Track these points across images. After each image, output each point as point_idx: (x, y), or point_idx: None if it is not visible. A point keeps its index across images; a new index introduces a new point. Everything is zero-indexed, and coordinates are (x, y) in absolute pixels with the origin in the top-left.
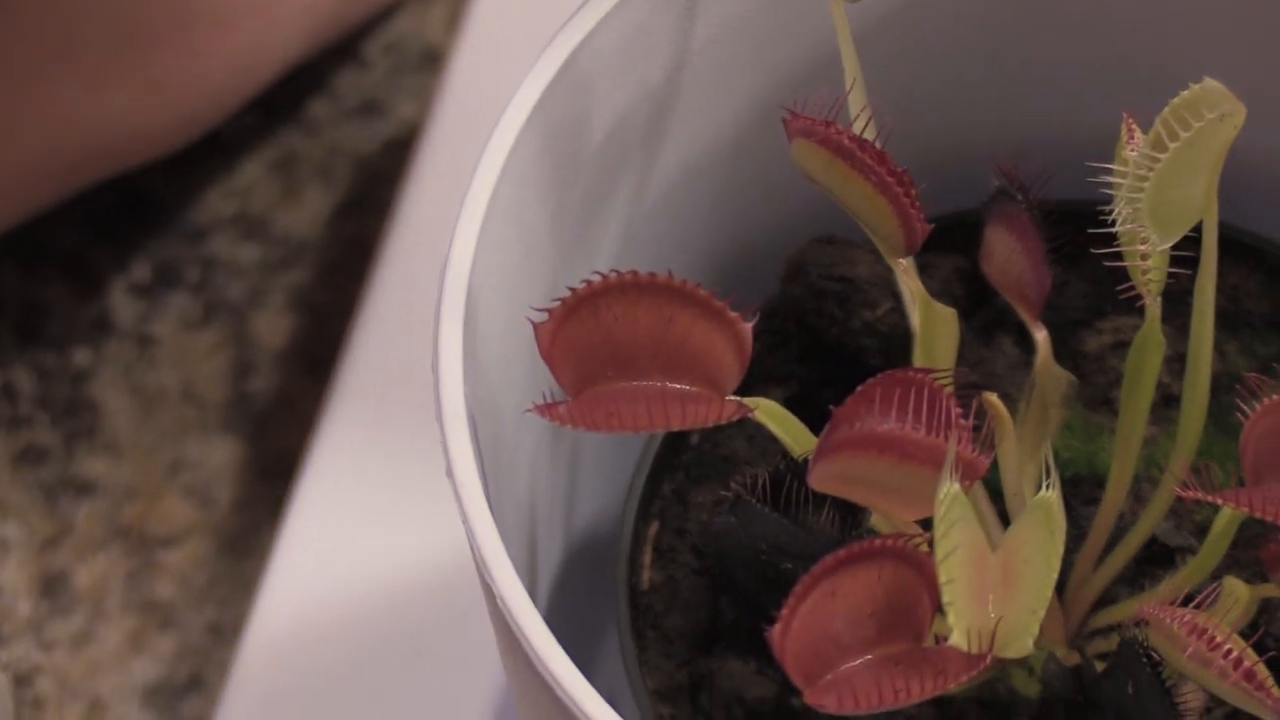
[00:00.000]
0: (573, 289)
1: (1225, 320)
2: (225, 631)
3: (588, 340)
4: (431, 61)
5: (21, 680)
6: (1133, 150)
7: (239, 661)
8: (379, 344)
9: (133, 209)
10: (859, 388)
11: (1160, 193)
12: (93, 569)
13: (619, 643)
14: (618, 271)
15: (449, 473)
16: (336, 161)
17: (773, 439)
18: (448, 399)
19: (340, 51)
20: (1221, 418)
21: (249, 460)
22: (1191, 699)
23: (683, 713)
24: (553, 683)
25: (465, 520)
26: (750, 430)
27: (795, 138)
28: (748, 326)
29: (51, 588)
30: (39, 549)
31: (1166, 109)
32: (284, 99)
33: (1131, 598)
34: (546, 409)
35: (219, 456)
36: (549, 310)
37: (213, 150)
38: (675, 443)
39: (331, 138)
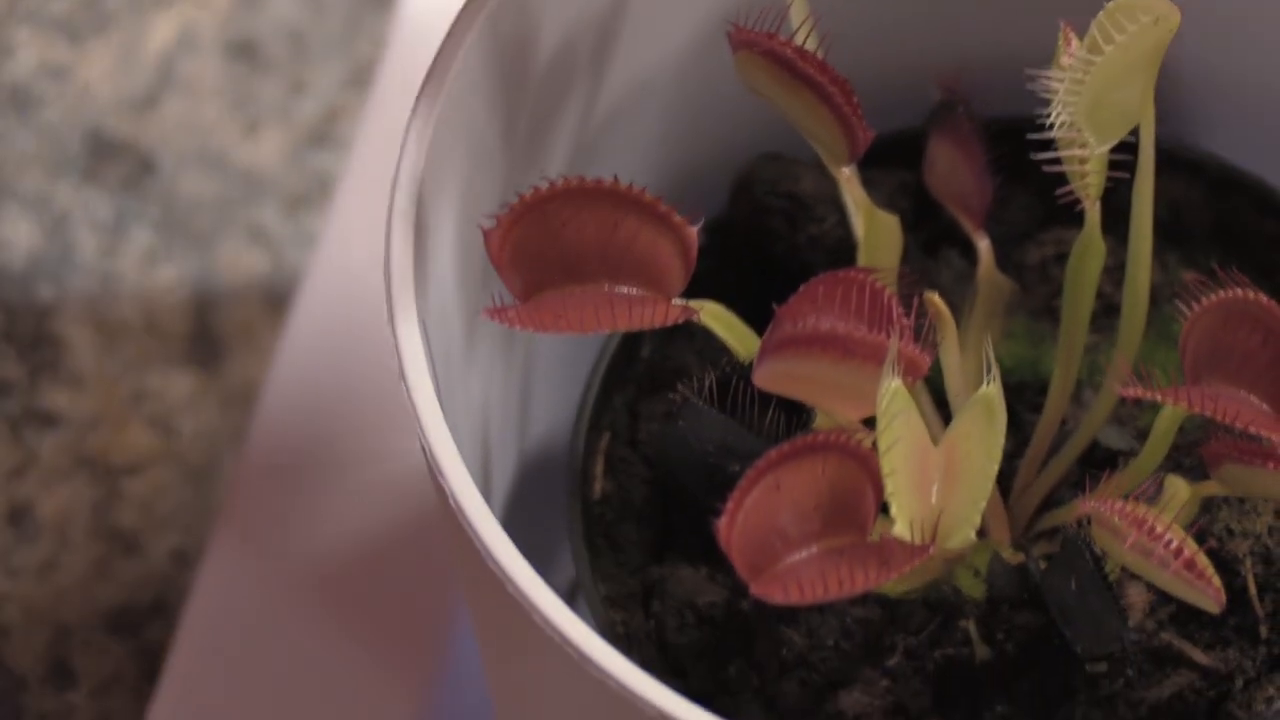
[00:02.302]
0: (521, 195)
1: (1167, 233)
2: (188, 557)
3: (537, 246)
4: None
5: None
6: (1070, 58)
7: (199, 587)
8: (336, 277)
9: (96, 147)
10: (801, 287)
11: (1097, 96)
12: (57, 498)
13: (572, 553)
14: (565, 177)
15: (401, 375)
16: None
17: (722, 352)
18: (399, 302)
19: None
20: (1163, 327)
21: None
22: (1135, 599)
23: (635, 619)
24: (504, 577)
25: (417, 421)
26: (700, 344)
27: (739, 50)
28: (693, 230)
29: (17, 518)
30: (4, 480)
31: (1102, 13)
32: (245, 38)
33: (1075, 500)
34: (497, 312)
35: (180, 388)
36: (498, 217)
37: (175, 91)
38: (626, 356)
39: (293, 75)
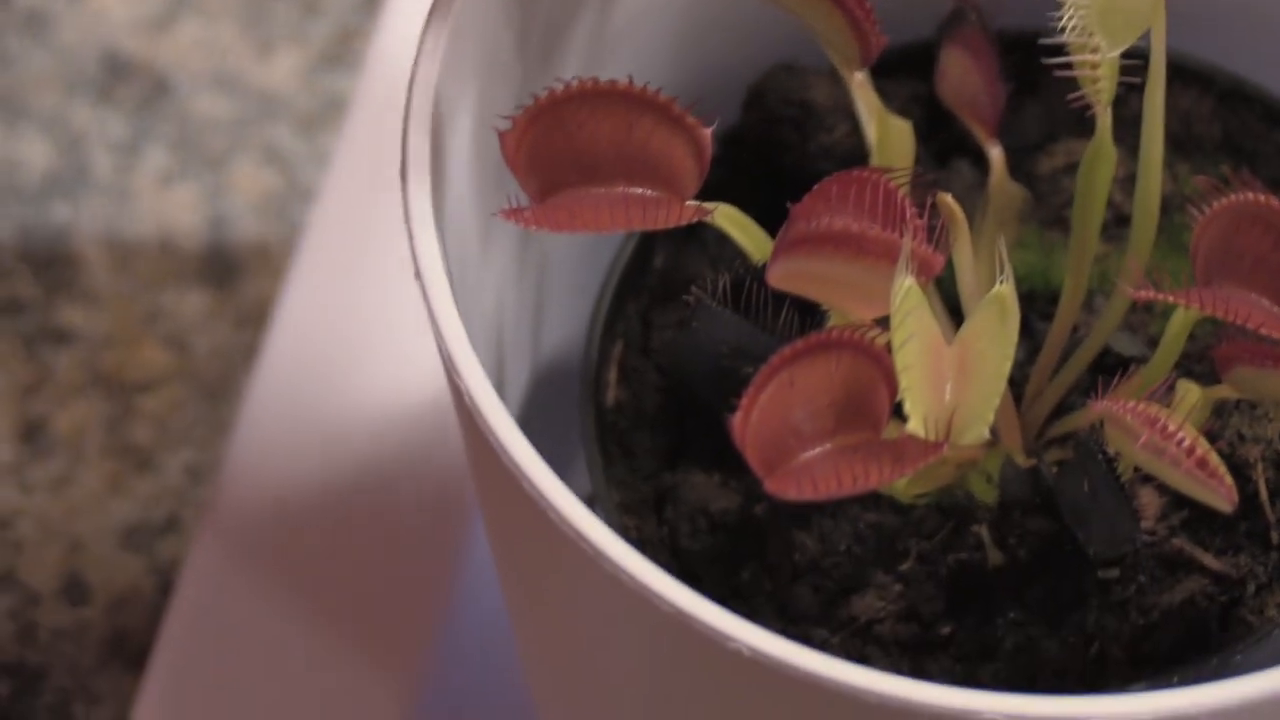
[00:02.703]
0: (536, 96)
1: (1177, 144)
2: (201, 473)
3: (551, 147)
4: None
5: (2, 523)
6: None
7: (214, 501)
8: (349, 197)
9: (111, 68)
10: (816, 186)
11: None
12: (72, 415)
13: (586, 460)
14: (580, 79)
15: (417, 275)
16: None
17: (734, 261)
18: (415, 201)
19: None
20: (1173, 236)
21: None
22: (1148, 503)
23: (648, 525)
24: (520, 474)
25: (432, 319)
26: (712, 252)
27: None
28: (706, 131)
29: (31, 434)
30: (19, 397)
31: None
32: None
33: (1088, 404)
34: (513, 212)
35: (195, 306)
36: (513, 118)
37: (190, 12)
38: (639, 265)
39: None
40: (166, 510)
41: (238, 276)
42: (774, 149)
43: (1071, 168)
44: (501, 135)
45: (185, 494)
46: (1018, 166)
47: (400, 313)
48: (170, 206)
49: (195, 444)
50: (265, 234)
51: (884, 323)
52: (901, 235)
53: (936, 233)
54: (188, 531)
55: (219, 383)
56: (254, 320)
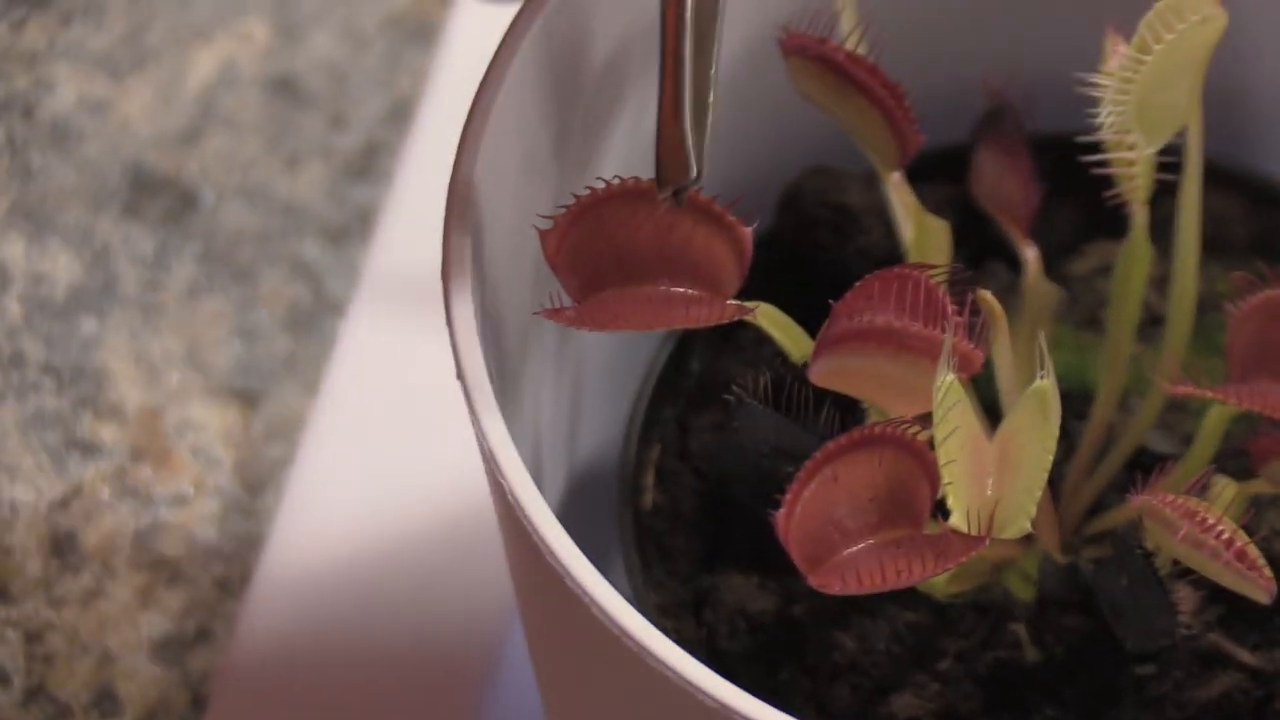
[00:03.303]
0: (577, 195)
1: (1208, 245)
2: (231, 586)
3: (592, 247)
4: (428, 36)
5: (32, 637)
6: (1117, 61)
7: (246, 613)
8: (379, 309)
9: (137, 181)
10: (856, 284)
11: (1145, 95)
12: (101, 528)
13: (624, 564)
14: (621, 178)
15: (459, 375)
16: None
17: (770, 365)
18: (456, 300)
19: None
20: (1206, 337)
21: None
22: (1184, 599)
23: (687, 627)
24: (563, 571)
25: (474, 419)
26: (748, 356)
27: (790, 55)
28: (747, 231)
29: (61, 549)
30: (48, 511)
31: (1150, 13)
32: (285, 74)
33: (1125, 501)
34: (554, 312)
35: (223, 420)
36: (554, 217)
37: (216, 125)
38: (675, 368)
39: (333, 109)
40: (197, 623)
41: (267, 390)
42: (810, 251)
43: (1105, 269)
44: (542, 234)
45: (216, 607)
46: (1051, 268)
47: (430, 427)
48: (198, 320)
49: (225, 558)
50: (294, 347)
51: (924, 419)
52: (943, 332)
53: (976, 330)
54: (219, 644)
55: (248, 497)
56: (282, 434)
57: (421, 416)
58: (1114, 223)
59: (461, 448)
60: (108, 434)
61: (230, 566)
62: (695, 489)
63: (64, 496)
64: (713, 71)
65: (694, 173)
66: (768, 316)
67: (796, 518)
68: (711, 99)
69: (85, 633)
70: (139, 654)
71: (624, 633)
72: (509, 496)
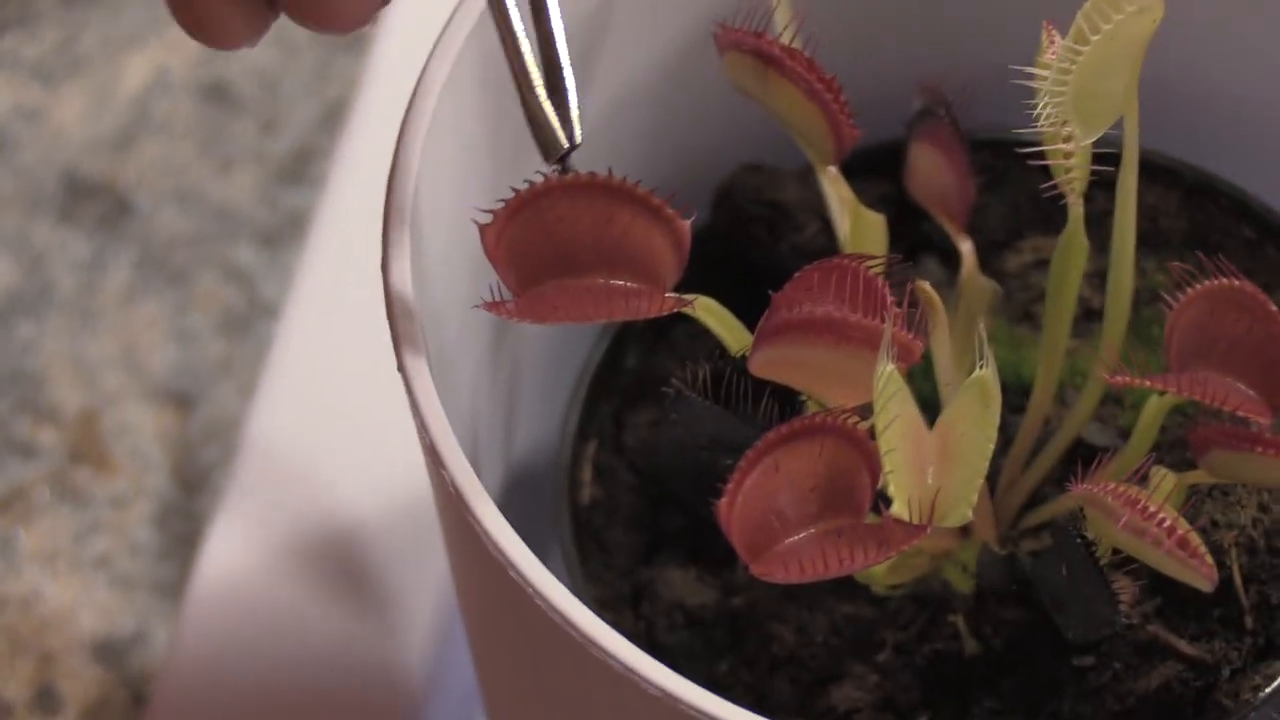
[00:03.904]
0: (516, 190)
1: (1144, 239)
2: (169, 588)
3: (531, 240)
4: (359, 45)
5: None
6: (1053, 55)
7: (186, 613)
8: (314, 312)
9: (72, 188)
10: (796, 274)
11: (1083, 86)
12: (40, 530)
13: (561, 558)
14: (559, 173)
15: (399, 368)
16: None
17: (707, 357)
18: (397, 293)
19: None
20: (1141, 330)
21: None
22: (1125, 591)
23: (625, 620)
24: (505, 562)
25: (415, 411)
26: (683, 353)
27: (726, 50)
28: (685, 223)
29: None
30: None
31: (1087, 3)
32: (217, 81)
33: (1064, 492)
34: (494, 305)
35: (159, 422)
36: (493, 211)
37: (149, 132)
38: (611, 364)
39: (265, 115)
40: (135, 623)
41: (202, 392)
42: (745, 247)
43: (1039, 264)
44: (481, 228)
45: (155, 608)
46: (985, 263)
47: (368, 427)
48: (134, 323)
49: (162, 558)
50: (229, 350)
51: (863, 410)
52: (882, 322)
53: (915, 321)
54: (158, 644)
55: (184, 498)
56: (218, 435)
57: (356, 419)
58: (1047, 218)
59: (397, 448)
60: (45, 437)
61: (168, 567)
62: (632, 484)
63: (3, 498)
64: (557, 37)
65: (565, 142)
66: (705, 308)
67: (738, 507)
68: (564, 62)
69: (26, 633)
70: (79, 654)
71: (567, 622)
72: (451, 488)
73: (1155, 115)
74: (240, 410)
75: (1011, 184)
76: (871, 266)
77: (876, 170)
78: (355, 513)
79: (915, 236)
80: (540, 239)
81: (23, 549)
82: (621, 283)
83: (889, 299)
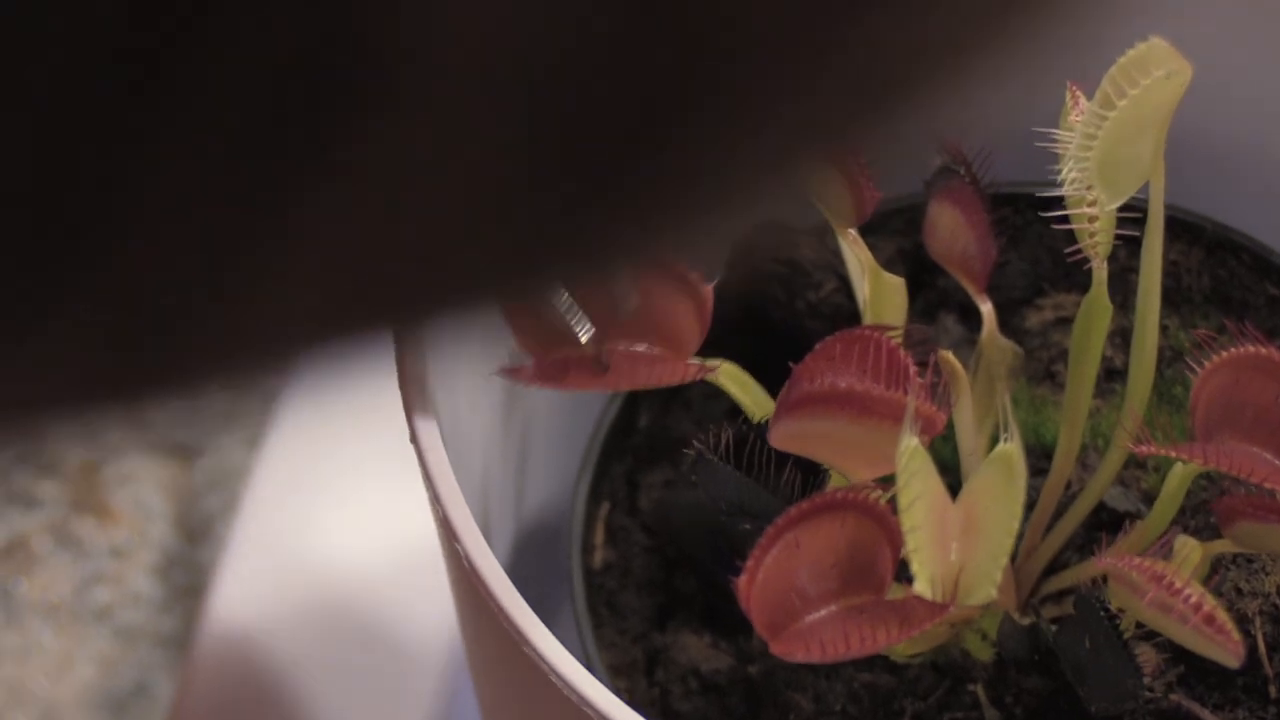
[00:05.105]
0: None
1: (1166, 296)
2: (172, 640)
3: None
4: None
5: None
6: (1078, 117)
7: (191, 668)
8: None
9: None
10: (817, 345)
11: (1108, 151)
12: (41, 580)
13: (574, 622)
14: None
15: (412, 438)
16: None
17: (721, 419)
18: (409, 362)
19: None
20: (1164, 390)
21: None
22: (1146, 660)
23: (639, 686)
24: (520, 639)
25: (429, 483)
26: (697, 414)
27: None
28: (708, 289)
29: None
30: None
31: (1114, 67)
32: None
33: (1082, 562)
34: (513, 371)
35: (162, 471)
36: None
37: None
38: (624, 425)
39: None
40: (137, 675)
41: (208, 442)
42: (761, 306)
43: (1060, 322)
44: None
45: (157, 659)
46: (1005, 321)
47: (373, 479)
48: None
49: (164, 609)
50: (233, 402)
51: (884, 481)
52: (905, 394)
53: (938, 390)
54: (159, 696)
55: (188, 548)
56: (223, 484)
57: (361, 471)
58: (1068, 274)
59: (403, 502)
60: (46, 487)
61: (171, 619)
62: (645, 546)
63: (4, 547)
64: None
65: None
66: (729, 375)
67: (758, 584)
68: None
69: (26, 684)
70: (80, 707)
71: (583, 700)
72: (464, 561)
73: (1175, 169)
74: (244, 460)
75: (1032, 240)
76: (893, 336)
77: (894, 226)
78: (361, 565)
79: (934, 293)
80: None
81: (23, 599)
82: (644, 349)
83: (912, 369)
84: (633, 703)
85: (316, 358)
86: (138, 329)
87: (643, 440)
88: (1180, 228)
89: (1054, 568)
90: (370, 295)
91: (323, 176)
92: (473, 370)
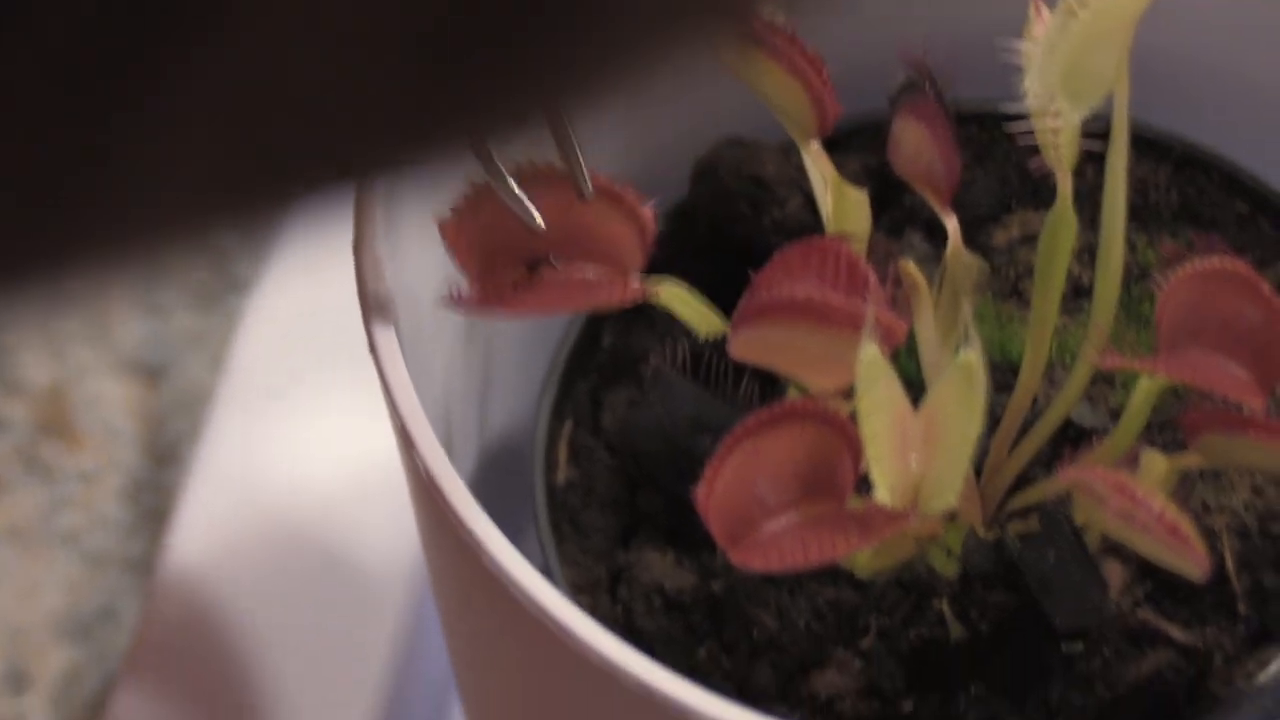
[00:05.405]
0: (473, 181)
1: (1134, 213)
2: (139, 563)
3: (491, 231)
4: None
5: None
6: (1041, 29)
7: (156, 588)
8: (285, 288)
9: None
10: (776, 254)
11: (1072, 61)
12: (7, 504)
13: (537, 541)
14: (516, 162)
15: (371, 349)
16: None
17: (683, 339)
18: (369, 277)
19: None
20: (1131, 307)
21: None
22: (1113, 575)
23: (602, 604)
24: (479, 550)
25: (388, 396)
26: (661, 330)
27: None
28: (648, 210)
29: None
30: None
31: None
32: None
33: (1052, 475)
34: (455, 300)
35: (129, 393)
36: (453, 206)
37: None
38: (587, 344)
39: None
40: (105, 599)
41: (173, 366)
42: (726, 223)
43: (1026, 239)
44: (441, 224)
45: (125, 584)
46: (971, 239)
47: (339, 401)
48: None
49: (131, 533)
50: (202, 324)
51: (846, 393)
52: (865, 303)
53: (898, 302)
54: (127, 620)
55: (156, 471)
56: (189, 409)
57: (327, 393)
58: (1035, 191)
59: (368, 424)
60: (13, 409)
61: (138, 542)
62: (609, 465)
63: None
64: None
65: (542, 223)
66: (672, 294)
67: (716, 492)
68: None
69: None
70: (48, 631)
71: (541, 611)
72: (422, 471)
73: (1145, 87)
74: (210, 382)
75: (999, 158)
76: (853, 245)
77: (860, 144)
78: (326, 488)
79: (899, 210)
80: (501, 230)
81: None
82: (582, 274)
83: (872, 279)
84: (596, 620)
85: (226, 227)
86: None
87: (606, 358)
88: (1147, 145)
89: (1020, 484)
90: (264, 160)
91: (194, 32)
92: (434, 286)
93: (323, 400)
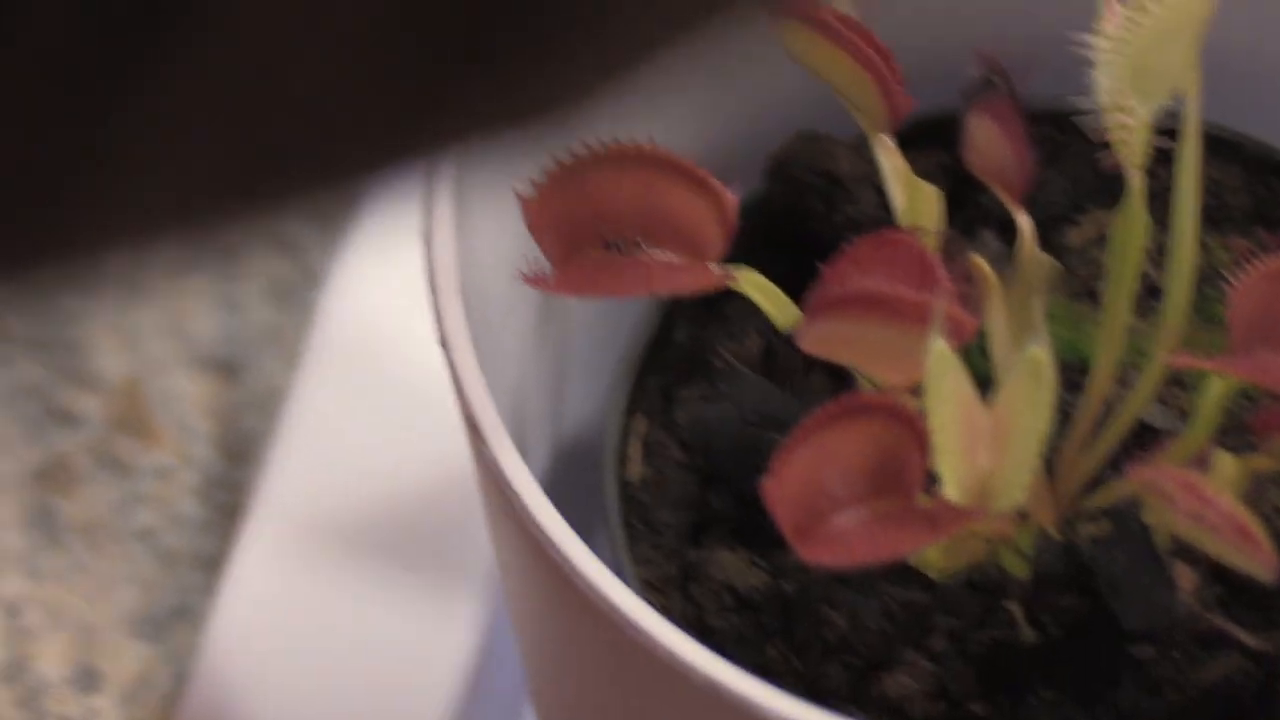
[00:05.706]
0: (559, 160)
1: (1206, 214)
2: (212, 562)
3: (573, 211)
4: None
5: (12, 611)
6: (1113, 23)
7: (225, 588)
8: (359, 285)
9: None
10: (846, 248)
11: (1142, 58)
12: (81, 500)
13: (608, 538)
14: (602, 142)
15: (441, 343)
16: None
17: (759, 333)
18: (439, 266)
19: None
20: (1203, 308)
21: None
22: (1183, 579)
23: (674, 602)
24: (549, 546)
25: (458, 388)
26: (735, 326)
27: (780, 18)
28: (731, 195)
29: (41, 520)
30: (28, 481)
31: None
32: None
33: (1123, 476)
34: (534, 279)
35: (205, 390)
36: (535, 183)
37: None
38: (661, 339)
39: None
40: (178, 597)
41: (249, 362)
42: (799, 218)
43: (1100, 240)
44: (523, 200)
45: (199, 582)
46: (1045, 239)
47: (414, 399)
48: (180, 291)
49: (205, 530)
50: (278, 320)
51: (915, 390)
52: (935, 297)
53: (969, 298)
54: (200, 618)
55: (230, 469)
56: (264, 406)
57: (401, 391)
58: (1109, 192)
59: (444, 422)
60: (89, 405)
61: (210, 540)
62: (681, 461)
63: (44, 467)
64: None
65: None
66: (751, 282)
67: (785, 484)
68: None
69: (66, 607)
70: (120, 629)
71: (611, 608)
72: (491, 464)
73: (1218, 87)
74: (285, 380)
75: (1073, 156)
76: (924, 240)
77: (934, 141)
78: (401, 488)
79: (974, 209)
80: (582, 210)
81: (63, 520)
82: (663, 256)
83: (943, 273)
84: (668, 619)
85: (232, 224)
86: (25, 201)
87: (680, 354)
88: (1221, 145)
89: (1092, 485)
90: (264, 160)
91: (194, 31)
92: (505, 279)
93: (398, 398)
